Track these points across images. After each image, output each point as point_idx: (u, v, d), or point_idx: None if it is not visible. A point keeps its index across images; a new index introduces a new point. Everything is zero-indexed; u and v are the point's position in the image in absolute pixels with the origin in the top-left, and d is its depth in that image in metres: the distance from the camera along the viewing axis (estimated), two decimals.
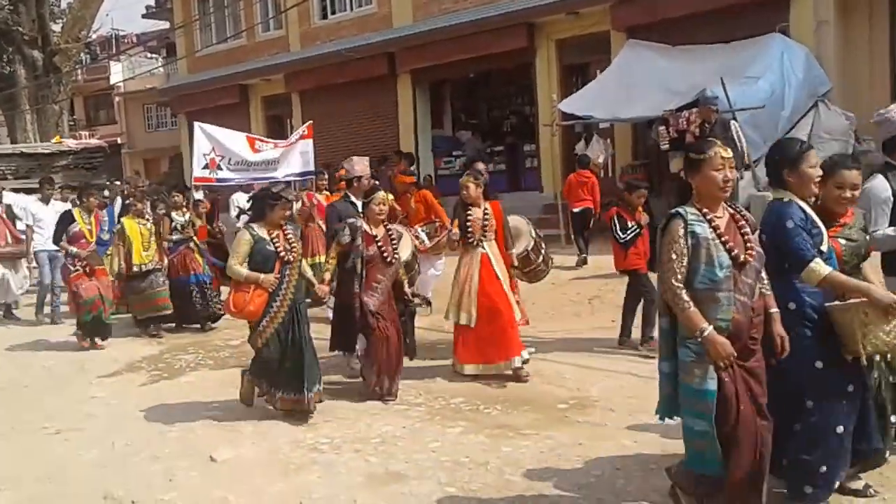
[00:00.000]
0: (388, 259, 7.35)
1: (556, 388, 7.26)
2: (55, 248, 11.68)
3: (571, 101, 15.90)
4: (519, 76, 20.06)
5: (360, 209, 7.99)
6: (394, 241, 7.50)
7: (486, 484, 5.17)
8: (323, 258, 10.88)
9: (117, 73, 40.83)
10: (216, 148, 12.16)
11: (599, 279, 11.70)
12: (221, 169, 12.19)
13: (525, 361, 7.67)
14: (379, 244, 7.34)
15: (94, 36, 34.67)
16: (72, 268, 10.59)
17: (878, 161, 12.37)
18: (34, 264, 13.01)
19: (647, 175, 15.82)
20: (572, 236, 13.75)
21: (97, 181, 21.22)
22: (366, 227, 7.40)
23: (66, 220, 10.86)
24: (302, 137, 12.99)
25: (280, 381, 6.75)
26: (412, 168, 17.14)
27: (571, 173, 14.26)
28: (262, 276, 6.57)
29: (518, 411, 6.62)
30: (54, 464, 6.18)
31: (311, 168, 12.87)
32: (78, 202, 11.73)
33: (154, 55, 39.80)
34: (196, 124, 12.31)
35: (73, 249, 10.55)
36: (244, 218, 11.85)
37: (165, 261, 11.35)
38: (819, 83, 13.73)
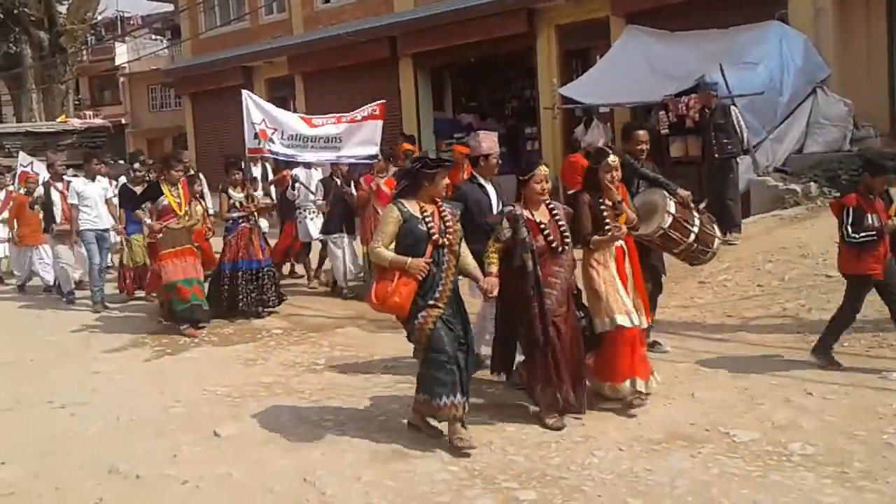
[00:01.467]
0: (559, 248, 5.83)
1: None
2: (103, 226, 11.46)
3: (572, 86, 15.79)
4: (519, 60, 19.90)
5: (489, 191, 7.01)
6: (561, 224, 5.89)
7: (488, 463, 5.12)
8: None
9: (122, 54, 40.66)
10: (267, 119, 10.83)
11: None
12: (273, 142, 10.86)
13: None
14: (545, 232, 5.80)
15: (99, 17, 34.44)
16: (164, 244, 9.66)
17: (875, 147, 12.44)
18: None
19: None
20: None
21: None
22: (526, 213, 5.86)
23: (152, 192, 10.00)
24: (370, 117, 11.28)
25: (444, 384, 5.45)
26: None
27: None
28: (408, 259, 5.39)
29: (521, 392, 6.50)
30: (59, 438, 6.12)
31: (376, 151, 11.26)
32: (160, 174, 10.45)
33: (159, 37, 39.58)
34: (245, 93, 11.01)
35: (147, 221, 9.85)
36: (303, 192, 11.84)
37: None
38: (817, 70, 13.62)
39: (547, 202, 5.95)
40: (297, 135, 10.89)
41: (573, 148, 14.27)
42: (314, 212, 11.89)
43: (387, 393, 6.75)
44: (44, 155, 17.34)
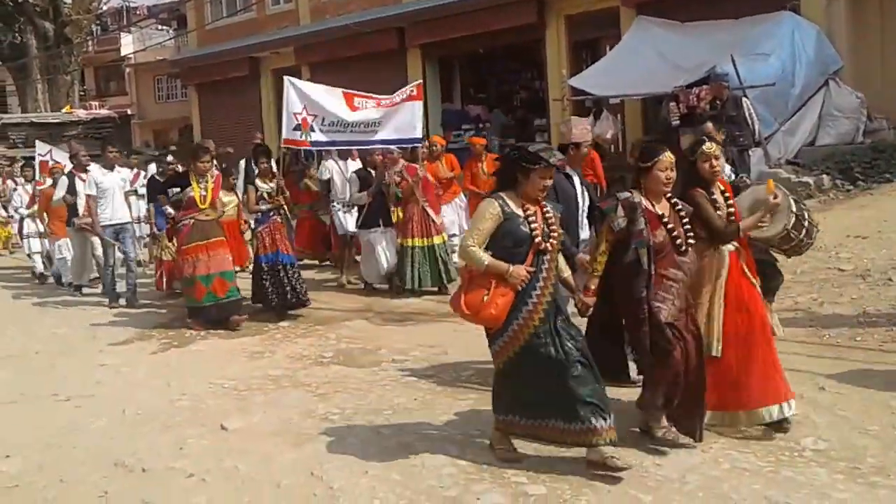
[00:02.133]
0: (682, 245, 5.06)
1: None
2: (121, 220, 10.93)
3: (582, 77, 15.76)
4: (528, 51, 19.87)
5: (574, 181, 6.41)
6: (684, 220, 5.12)
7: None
8: (429, 241, 10.42)
9: (128, 44, 40.59)
10: (308, 106, 10.12)
11: None
12: (315, 131, 10.16)
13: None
14: (668, 226, 5.06)
15: (104, 7, 34.53)
16: (188, 238, 9.38)
17: (889, 139, 12.39)
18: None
19: None
20: None
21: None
22: (646, 202, 5.12)
23: (178, 182, 9.72)
24: (409, 98, 10.80)
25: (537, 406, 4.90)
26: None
27: None
28: (510, 266, 4.73)
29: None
30: (64, 430, 6.14)
31: (418, 135, 10.90)
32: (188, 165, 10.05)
33: (165, 27, 39.53)
34: (286, 79, 10.33)
35: (170, 211, 9.72)
36: (337, 184, 11.41)
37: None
38: (830, 61, 13.57)
39: (668, 195, 5.21)
40: (337, 121, 10.34)
41: None
42: (347, 205, 11.50)
43: (394, 386, 6.74)
44: (53, 143, 17.36)
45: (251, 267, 10.52)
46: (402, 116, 10.67)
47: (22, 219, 14.43)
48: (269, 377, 7.19)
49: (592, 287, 5.17)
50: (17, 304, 11.90)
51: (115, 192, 10.89)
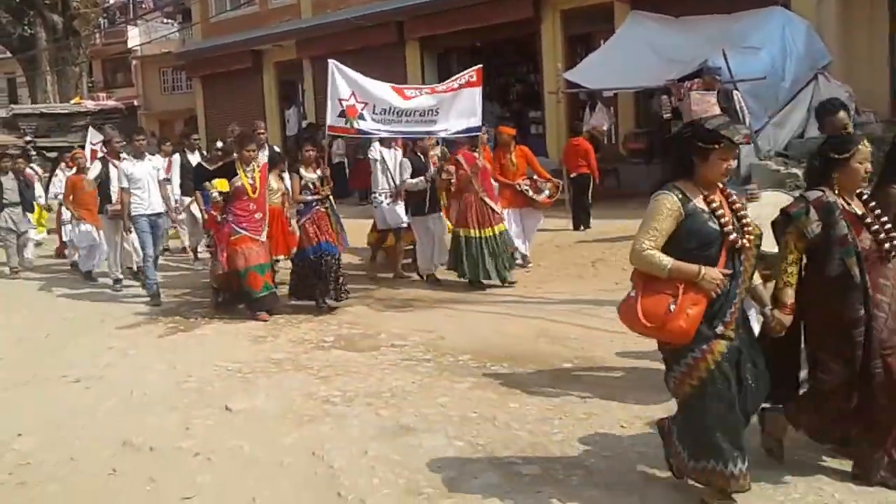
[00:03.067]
0: (891, 251, 4.22)
1: (562, 348, 7.14)
2: (155, 210, 10.23)
3: (576, 70, 15.75)
4: (524, 45, 19.86)
5: None
6: (883, 220, 4.30)
7: (493, 438, 5.13)
8: (488, 231, 9.71)
9: (134, 37, 40.53)
10: (357, 93, 9.42)
11: (603, 243, 11.65)
12: (364, 119, 9.43)
13: None
14: (872, 228, 4.25)
15: (111, 1, 34.41)
16: (236, 228, 8.83)
17: (876, 133, 12.40)
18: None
19: (648, 143, 15.77)
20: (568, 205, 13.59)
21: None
22: (841, 202, 4.26)
23: (225, 171, 9.19)
24: (468, 84, 9.94)
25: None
26: None
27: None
28: (702, 268, 3.83)
29: (524, 369, 6.54)
30: (74, 411, 6.18)
31: (479, 123, 10.01)
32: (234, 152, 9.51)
33: (170, 20, 39.44)
34: (332, 63, 9.57)
35: (215, 193, 9.22)
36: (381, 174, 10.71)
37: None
38: (819, 56, 13.58)
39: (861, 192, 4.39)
40: (390, 108, 9.55)
41: (576, 131, 14.29)
42: (391, 196, 10.76)
43: (393, 370, 6.77)
44: (62, 133, 17.16)
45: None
46: (462, 103, 9.88)
47: (60, 205, 13.65)
48: (273, 360, 7.22)
49: (789, 302, 4.22)
50: (28, 289, 11.88)
51: (149, 182, 10.18)
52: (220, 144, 12.73)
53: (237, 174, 8.87)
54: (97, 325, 9.22)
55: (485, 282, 9.81)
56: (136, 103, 33.68)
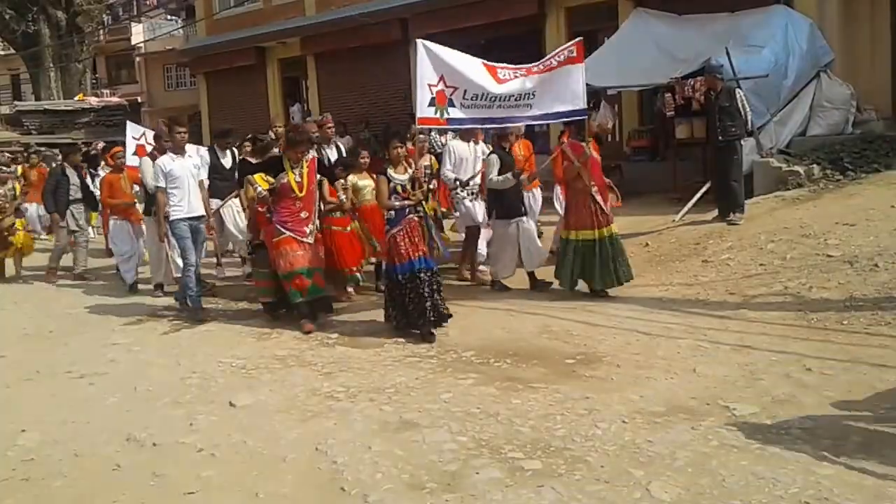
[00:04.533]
0: None
1: (565, 344, 7.16)
2: (196, 214, 9.12)
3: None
4: (529, 42, 19.82)
5: None
6: None
7: (495, 434, 5.15)
8: (598, 234, 8.66)
9: (138, 33, 40.61)
10: (447, 76, 8.09)
11: None
12: (454, 106, 8.16)
13: None
14: None
15: None
16: (280, 229, 8.17)
17: (877, 130, 12.43)
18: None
19: (652, 140, 15.79)
20: None
21: (116, 138, 21.22)
22: None
23: (271, 166, 8.47)
24: (568, 61, 8.54)
25: None
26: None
27: None
28: None
29: (527, 365, 6.55)
30: (78, 406, 6.22)
31: (583, 105, 8.60)
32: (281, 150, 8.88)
33: (174, 17, 39.48)
34: (420, 43, 8.12)
35: (262, 190, 8.13)
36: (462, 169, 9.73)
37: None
38: (822, 54, 13.57)
39: None
40: (482, 93, 8.31)
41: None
42: (473, 193, 9.91)
43: (396, 366, 6.79)
44: (66, 130, 17.00)
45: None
46: (562, 84, 8.54)
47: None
48: (276, 357, 7.25)
49: None
50: (34, 285, 11.94)
51: (189, 181, 9.05)
52: (272, 135, 12.11)
53: (283, 170, 8.22)
54: (101, 322, 9.26)
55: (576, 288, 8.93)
56: (139, 100, 33.78)
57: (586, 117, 8.74)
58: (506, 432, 5.17)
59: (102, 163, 14.25)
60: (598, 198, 8.69)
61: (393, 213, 7.73)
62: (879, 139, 12.08)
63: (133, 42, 40.36)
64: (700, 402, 5.43)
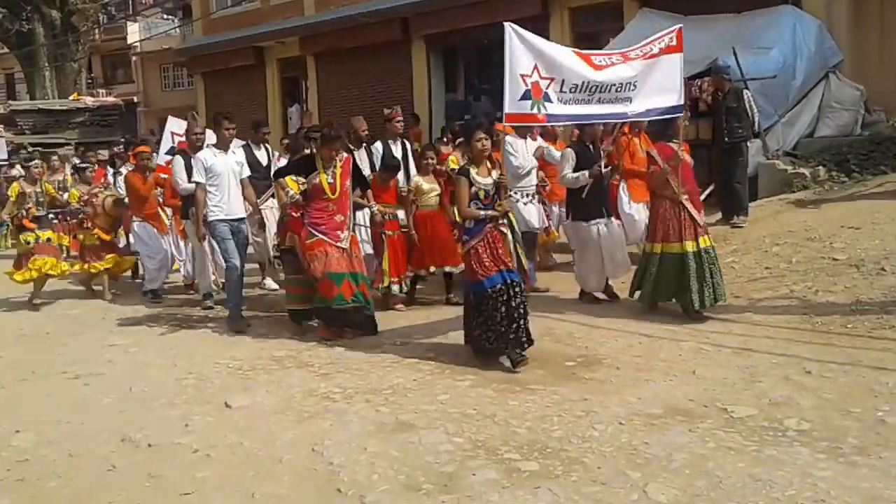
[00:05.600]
0: None
1: (565, 347, 7.26)
2: (237, 215, 8.67)
3: None
4: None
5: None
6: None
7: (492, 435, 5.23)
8: (689, 247, 7.82)
9: (134, 33, 40.77)
10: (542, 65, 7.17)
11: None
12: (551, 100, 7.20)
13: None
14: None
15: None
16: (313, 232, 7.79)
17: (886, 132, 12.51)
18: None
19: None
20: None
21: (113, 137, 21.34)
22: None
23: (301, 165, 8.12)
24: (668, 50, 7.78)
25: None
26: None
27: None
28: None
29: (526, 367, 6.64)
30: (73, 407, 6.30)
31: (681, 101, 7.86)
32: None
33: (170, 16, 39.64)
34: (508, 27, 7.22)
35: (294, 194, 8.05)
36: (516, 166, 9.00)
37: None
38: (830, 55, 13.65)
39: None
40: (582, 83, 7.35)
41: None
42: (529, 195, 9.36)
43: (395, 367, 6.89)
44: (60, 130, 16.92)
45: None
46: (662, 75, 7.76)
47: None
48: (274, 358, 7.34)
49: None
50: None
51: (230, 179, 8.59)
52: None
53: (315, 170, 7.90)
54: (99, 322, 9.38)
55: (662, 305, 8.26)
56: (136, 100, 33.88)
57: (680, 115, 7.97)
58: (502, 433, 5.24)
59: (117, 161, 13.96)
60: (690, 206, 7.95)
61: (472, 222, 6.93)
62: (888, 140, 12.16)
63: (129, 41, 40.53)
64: (698, 404, 5.53)
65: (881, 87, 13.49)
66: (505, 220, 6.94)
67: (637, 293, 8.38)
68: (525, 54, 7.16)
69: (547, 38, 17.70)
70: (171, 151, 10.47)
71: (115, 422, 5.90)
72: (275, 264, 9.47)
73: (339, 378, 6.62)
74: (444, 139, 13.55)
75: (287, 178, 8.27)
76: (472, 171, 6.92)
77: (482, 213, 6.84)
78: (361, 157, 9.57)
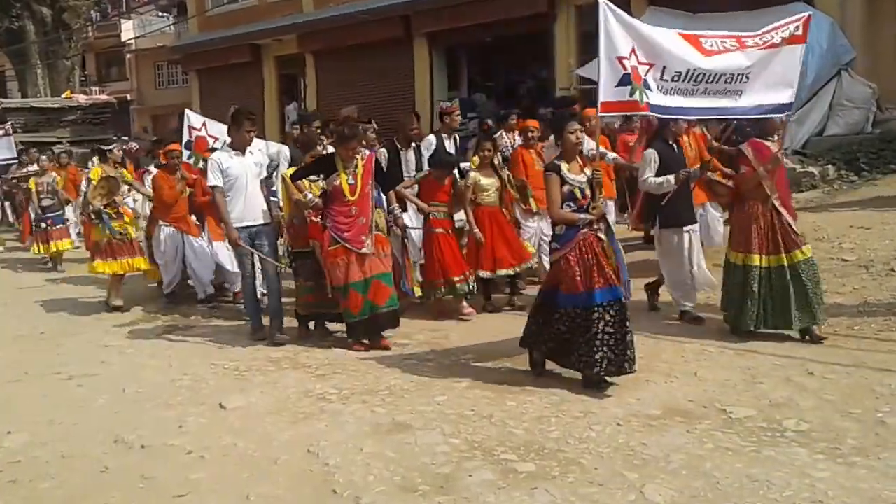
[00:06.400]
0: None
1: None
2: (257, 221, 8.06)
3: (591, 66, 15.91)
4: (536, 41, 20.03)
5: None
6: None
7: (489, 436, 5.30)
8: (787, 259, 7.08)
9: (128, 30, 40.91)
10: (641, 49, 6.40)
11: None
12: (650, 88, 6.43)
13: None
14: None
15: None
16: (335, 237, 7.52)
17: None
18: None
19: None
20: None
21: (105, 136, 21.41)
22: None
23: (324, 164, 7.78)
24: (792, 40, 6.89)
25: None
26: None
27: None
28: None
29: (524, 368, 6.70)
30: (67, 408, 6.39)
31: (793, 98, 7.02)
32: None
33: (165, 14, 39.80)
34: (603, 5, 6.35)
35: (312, 197, 7.70)
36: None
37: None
38: (843, 52, 13.75)
39: None
40: (687, 71, 6.59)
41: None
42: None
43: (392, 368, 6.97)
44: (52, 128, 16.96)
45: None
46: (780, 67, 6.92)
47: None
48: (270, 359, 7.45)
49: None
50: (27, 287, 12.20)
51: (248, 182, 8.00)
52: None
53: (336, 171, 7.60)
54: (94, 323, 9.50)
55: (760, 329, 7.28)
56: (129, 98, 34.02)
57: (783, 115, 7.21)
58: (499, 434, 5.32)
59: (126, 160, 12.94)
60: (785, 212, 7.22)
61: (564, 227, 6.23)
62: None
63: (123, 39, 40.65)
64: (697, 405, 5.62)
65: (895, 85, 13.58)
66: (601, 225, 6.25)
67: (726, 314, 7.50)
68: (623, 36, 6.39)
69: (553, 37, 18.17)
70: (189, 146, 10.30)
71: (109, 423, 5.98)
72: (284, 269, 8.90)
73: (335, 379, 6.71)
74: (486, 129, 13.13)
75: (304, 180, 7.93)
76: (563, 166, 6.20)
77: (579, 216, 6.11)
78: (409, 156, 9.41)
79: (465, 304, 8.76)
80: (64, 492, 4.95)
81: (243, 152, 8.05)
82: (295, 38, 23.39)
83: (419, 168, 9.31)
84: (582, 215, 6.10)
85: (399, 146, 9.39)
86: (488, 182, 8.69)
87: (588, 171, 6.29)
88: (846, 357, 6.52)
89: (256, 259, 8.19)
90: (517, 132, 10.02)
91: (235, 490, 4.78)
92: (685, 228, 7.81)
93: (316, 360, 7.34)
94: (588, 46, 18.23)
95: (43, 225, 13.96)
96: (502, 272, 8.75)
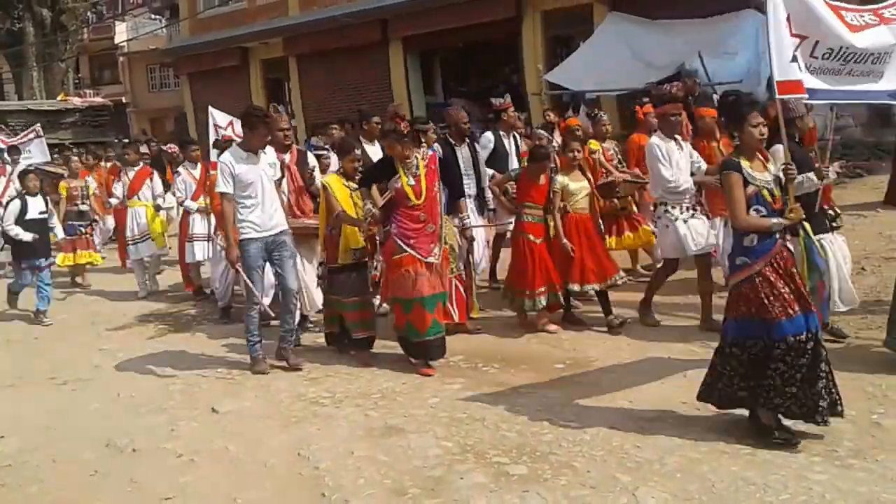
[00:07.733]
0: None
1: (554, 349, 6.94)
2: (274, 230, 6.72)
3: (556, 71, 15.71)
4: (507, 46, 19.75)
5: None
6: None
7: (481, 439, 5.02)
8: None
9: (122, 32, 40.12)
10: (795, 18, 5.02)
11: None
12: (800, 68, 5.04)
13: None
14: None
15: None
16: (401, 245, 6.42)
17: (855, 136, 12.39)
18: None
19: None
20: None
21: (105, 138, 20.88)
22: None
23: (384, 169, 6.67)
24: None
25: None
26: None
27: None
28: None
29: (516, 370, 6.39)
30: (59, 412, 6.14)
31: None
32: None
33: (157, 16, 39.09)
34: None
35: (370, 208, 6.58)
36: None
37: None
38: None
39: None
40: (840, 49, 5.24)
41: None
42: (690, 207, 7.24)
43: (385, 371, 6.62)
44: (51, 131, 16.17)
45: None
46: None
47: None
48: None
49: None
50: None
51: (264, 187, 6.72)
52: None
53: (396, 173, 6.51)
54: (88, 328, 9.14)
55: None
56: (123, 100, 33.38)
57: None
58: (492, 437, 5.04)
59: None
60: None
61: (754, 237, 4.77)
62: (859, 144, 12.06)
63: (116, 41, 39.89)
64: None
65: None
66: (796, 233, 5.17)
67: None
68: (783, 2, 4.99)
69: (520, 41, 17.91)
70: (218, 145, 8.96)
71: (100, 427, 5.71)
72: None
73: (328, 383, 6.38)
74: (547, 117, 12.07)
75: (337, 185, 6.86)
76: (745, 164, 4.79)
77: (773, 221, 4.70)
78: (464, 153, 8.26)
79: (547, 318, 7.49)
80: (52, 496, 4.73)
81: (256, 154, 6.77)
82: (280, 41, 22.95)
83: (475, 165, 8.27)
84: (775, 220, 4.71)
85: (453, 142, 8.25)
86: (577, 186, 7.32)
87: (772, 167, 4.96)
88: (832, 358, 6.14)
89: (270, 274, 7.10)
90: (560, 132, 8.93)
91: (223, 494, 4.54)
92: (818, 237, 6.17)
93: (309, 365, 6.92)
94: (554, 51, 18.03)
95: (81, 230, 11.67)
96: (588, 287, 7.34)
